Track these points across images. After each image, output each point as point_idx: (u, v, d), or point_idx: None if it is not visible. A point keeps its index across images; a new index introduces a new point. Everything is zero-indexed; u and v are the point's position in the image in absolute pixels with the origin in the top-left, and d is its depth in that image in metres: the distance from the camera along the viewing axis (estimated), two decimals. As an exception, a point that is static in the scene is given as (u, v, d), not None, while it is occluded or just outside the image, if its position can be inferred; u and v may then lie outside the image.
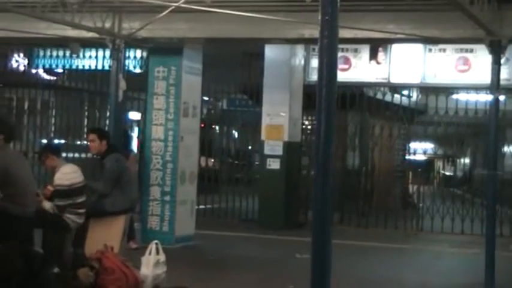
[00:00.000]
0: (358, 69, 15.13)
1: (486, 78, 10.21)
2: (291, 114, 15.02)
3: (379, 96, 17.18)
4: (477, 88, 15.69)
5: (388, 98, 17.80)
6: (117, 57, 11.44)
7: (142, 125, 15.58)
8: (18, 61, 19.00)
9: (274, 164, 14.94)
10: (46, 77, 19.40)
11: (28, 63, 18.83)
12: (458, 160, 32.27)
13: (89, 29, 11.02)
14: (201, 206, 14.30)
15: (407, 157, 21.13)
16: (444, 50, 14.57)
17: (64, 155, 9.93)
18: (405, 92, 19.38)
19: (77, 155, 16.29)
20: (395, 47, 14.94)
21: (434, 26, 10.28)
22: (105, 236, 8.76)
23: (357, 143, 18.32)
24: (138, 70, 17.36)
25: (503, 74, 10.93)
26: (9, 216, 7.87)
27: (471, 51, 14.22)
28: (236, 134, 27.69)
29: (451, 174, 31.62)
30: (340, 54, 13.54)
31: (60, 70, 19.13)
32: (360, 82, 15.43)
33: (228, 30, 11.04)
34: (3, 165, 8.01)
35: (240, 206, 16.69)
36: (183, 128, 12.06)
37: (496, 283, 9.49)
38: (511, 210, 16.30)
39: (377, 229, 15.47)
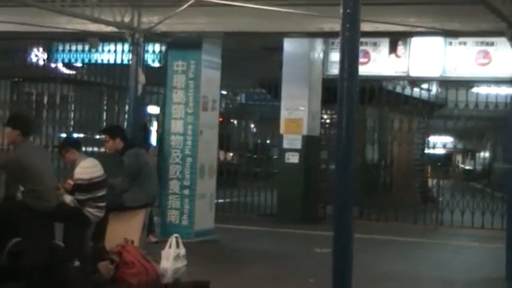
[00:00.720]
0: (377, 62, 15.05)
1: (507, 72, 10.16)
2: (310, 108, 14.99)
3: (398, 90, 17.11)
4: (497, 81, 15.57)
5: (407, 91, 17.73)
6: (136, 51, 11.46)
7: (161, 119, 15.61)
8: (38, 55, 19.06)
9: (293, 158, 14.92)
10: (65, 71, 19.46)
11: (47, 58, 18.88)
12: (478, 154, 32.13)
13: (108, 23, 11.03)
14: (220, 200, 14.30)
15: (426, 151, 21.07)
16: (465, 43, 14.47)
17: (83, 149, 9.94)
18: (425, 86, 19.29)
19: (96, 149, 16.33)
20: (415, 41, 14.85)
21: (456, 19, 10.21)
22: (125, 230, 8.78)
23: (376, 137, 18.28)
24: (156, 64, 17.37)
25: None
26: (31, 211, 7.95)
27: (492, 44, 14.11)
28: (254, 128, 27.69)
29: (471, 168, 31.49)
30: (359, 48, 13.46)
31: (79, 64, 19.17)
32: (379, 76, 15.36)
33: (248, 24, 11.01)
34: (21, 160, 8.11)
35: (259, 200, 16.69)
36: (202, 122, 12.05)
37: (517, 278, 9.44)
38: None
39: (396, 223, 15.43)
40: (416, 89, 18.82)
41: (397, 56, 15.06)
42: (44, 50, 18.88)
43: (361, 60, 14.31)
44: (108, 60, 17.98)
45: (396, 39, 14.75)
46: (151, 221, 10.81)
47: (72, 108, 19.24)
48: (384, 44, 15.02)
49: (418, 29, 10.46)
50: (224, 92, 20.00)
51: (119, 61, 17.55)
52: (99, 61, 18.25)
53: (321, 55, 15.46)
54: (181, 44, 12.01)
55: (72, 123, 18.94)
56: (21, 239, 7.64)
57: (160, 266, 7.89)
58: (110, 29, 11.26)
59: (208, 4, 10.22)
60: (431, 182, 21.46)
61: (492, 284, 9.65)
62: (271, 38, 14.06)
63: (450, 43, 14.61)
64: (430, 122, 21.56)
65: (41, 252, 7.49)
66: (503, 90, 16.03)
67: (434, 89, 20.27)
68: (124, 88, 14.76)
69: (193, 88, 12.00)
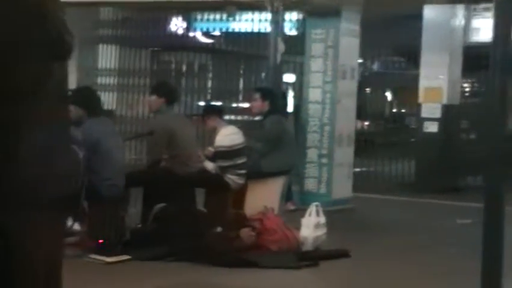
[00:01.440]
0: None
1: None
2: (450, 76, 14.63)
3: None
4: None
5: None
6: (276, 19, 11.47)
7: (297, 87, 15.59)
8: (177, 25, 19.37)
9: (431, 127, 14.63)
10: (203, 40, 19.71)
11: (186, 27, 19.16)
12: None
13: (249, -7, 11.10)
14: (357, 169, 14.21)
15: None
16: None
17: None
18: None
19: (232, 117, 16.51)
20: None
21: None
22: (264, 198, 8.87)
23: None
24: (293, 32, 17.35)
25: None
26: (175, 176, 8.16)
27: None
28: (390, 97, 27.32)
29: None
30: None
31: (217, 33, 19.38)
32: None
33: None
34: (167, 127, 8.32)
35: (396, 170, 16.49)
36: (341, 91, 11.97)
37: None
38: None
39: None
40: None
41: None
42: (183, 19, 19.17)
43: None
44: (246, 29, 18.09)
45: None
46: (289, 189, 10.86)
47: (210, 76, 19.49)
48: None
49: None
50: (361, 60, 19.78)
51: (256, 30, 17.63)
52: (237, 30, 18.38)
53: (463, 22, 15.03)
54: (320, 12, 11.94)
55: (209, 91, 19.20)
56: (166, 204, 7.84)
57: (300, 234, 7.93)
58: (250, -2, 11.32)
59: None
60: None
61: None
62: (412, 5, 13.78)
63: None
64: None
65: (185, 217, 7.67)
66: None
67: None
68: (260, 57, 14.82)
69: (331, 56, 11.93)
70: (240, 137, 8.89)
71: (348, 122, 12.32)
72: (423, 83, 14.68)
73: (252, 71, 19.39)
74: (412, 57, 16.08)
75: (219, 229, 7.85)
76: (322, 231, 7.99)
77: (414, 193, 14.14)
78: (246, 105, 15.05)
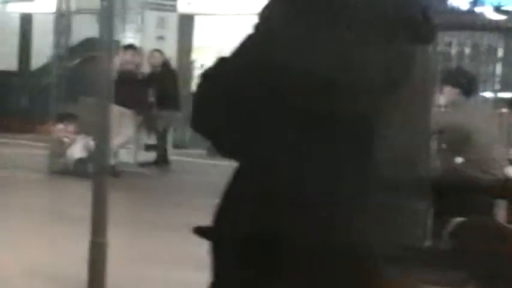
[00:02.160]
0: None
1: None
2: None
3: None
4: None
5: None
6: None
7: None
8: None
9: None
10: (493, 17, 18.30)
11: (473, 2, 17.88)
12: None
13: None
14: None
15: None
16: None
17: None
18: None
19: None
20: None
21: None
22: None
23: None
24: None
25: None
26: (473, 185, 7.29)
27: None
28: None
29: None
30: None
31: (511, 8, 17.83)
32: None
33: None
34: (463, 124, 7.54)
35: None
36: None
37: None
38: None
39: None
40: None
41: None
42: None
43: None
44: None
45: None
46: None
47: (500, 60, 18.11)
48: None
49: None
50: None
51: None
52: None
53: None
54: None
55: (498, 79, 17.83)
56: (466, 219, 6.77)
57: None
58: None
59: None
60: None
61: None
62: None
63: None
64: None
65: (492, 236, 6.55)
66: None
67: None
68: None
69: None
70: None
71: None
72: None
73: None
74: None
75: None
76: None
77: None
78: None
